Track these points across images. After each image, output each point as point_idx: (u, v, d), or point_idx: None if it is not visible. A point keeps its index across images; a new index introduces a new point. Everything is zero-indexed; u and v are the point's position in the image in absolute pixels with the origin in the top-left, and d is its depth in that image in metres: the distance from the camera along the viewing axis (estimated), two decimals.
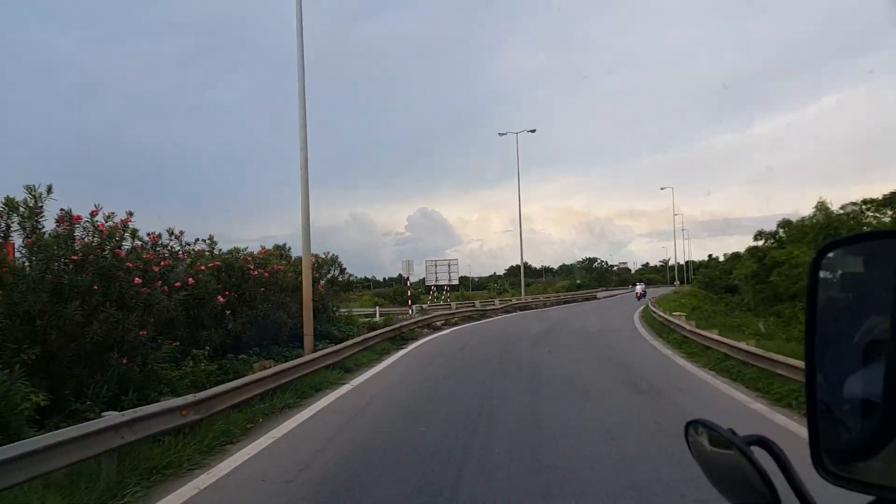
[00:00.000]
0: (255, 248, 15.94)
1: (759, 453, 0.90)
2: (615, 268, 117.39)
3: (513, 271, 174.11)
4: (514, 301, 35.50)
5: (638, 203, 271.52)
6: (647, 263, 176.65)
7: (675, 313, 18.44)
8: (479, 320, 24.67)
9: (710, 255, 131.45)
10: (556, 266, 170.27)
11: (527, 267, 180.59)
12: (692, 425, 1.05)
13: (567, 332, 18.44)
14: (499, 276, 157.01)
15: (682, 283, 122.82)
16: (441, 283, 45.70)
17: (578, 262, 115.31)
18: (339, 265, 16.51)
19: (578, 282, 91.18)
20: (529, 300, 37.04)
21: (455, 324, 22.38)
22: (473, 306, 32.88)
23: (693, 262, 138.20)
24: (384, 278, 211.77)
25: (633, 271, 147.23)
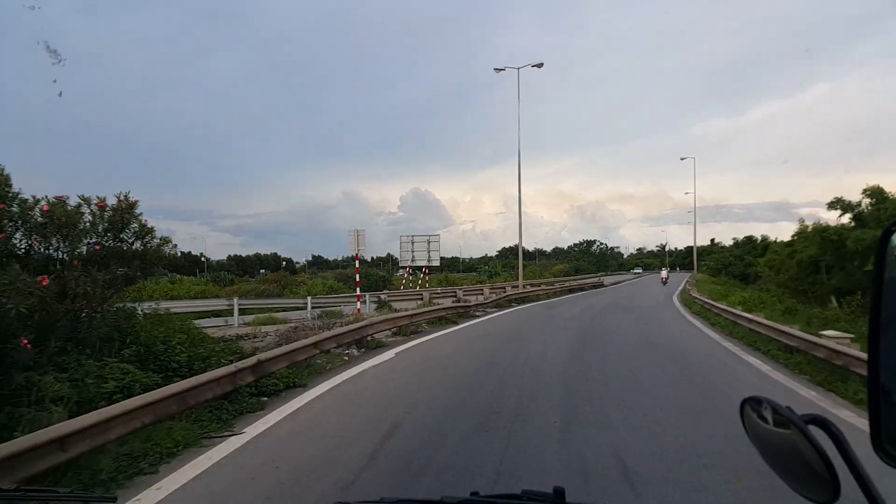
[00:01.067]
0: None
1: (816, 433, 0.85)
2: (614, 251, 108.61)
3: (504, 253, 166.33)
4: (509, 290, 26.55)
5: (629, 188, 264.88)
6: (643, 248, 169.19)
7: (827, 332, 9.58)
8: (457, 324, 15.65)
9: (712, 240, 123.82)
10: (549, 249, 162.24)
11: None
12: (749, 402, 1.01)
13: (626, 367, 9.41)
14: (490, 257, 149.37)
15: (680, 268, 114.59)
16: (418, 263, 36.82)
17: (575, 244, 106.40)
18: (139, 220, 7.33)
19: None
20: (528, 289, 28.15)
21: (416, 332, 13.45)
22: (454, 296, 23.96)
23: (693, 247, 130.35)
24: (372, 258, 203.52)
25: (625, 256, 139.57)
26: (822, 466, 0.83)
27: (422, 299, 24.35)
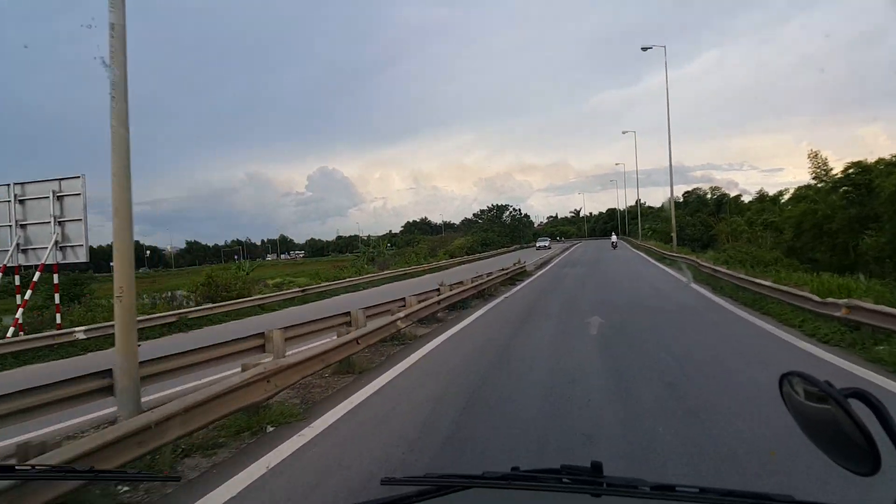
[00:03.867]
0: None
1: (857, 407, 0.83)
2: (528, 218, 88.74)
3: (409, 228, 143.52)
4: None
5: (532, 159, 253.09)
6: (556, 215, 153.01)
7: None
8: None
9: (637, 201, 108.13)
10: (458, 221, 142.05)
11: (426, 223, 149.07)
12: (787, 377, 0.99)
13: None
14: (395, 234, 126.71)
15: (602, 234, 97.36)
16: (30, 255, 13.70)
17: (482, 211, 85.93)
18: None
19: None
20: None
21: None
22: None
23: (616, 210, 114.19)
24: (263, 241, 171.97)
25: (536, 225, 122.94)
26: (862, 439, 0.82)
27: None
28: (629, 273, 22.42)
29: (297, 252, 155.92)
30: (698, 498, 1.09)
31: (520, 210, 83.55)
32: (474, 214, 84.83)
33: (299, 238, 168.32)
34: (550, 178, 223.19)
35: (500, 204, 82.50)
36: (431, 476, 1.34)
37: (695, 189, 62.65)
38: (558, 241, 77.14)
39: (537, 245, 58.57)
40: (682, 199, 68.93)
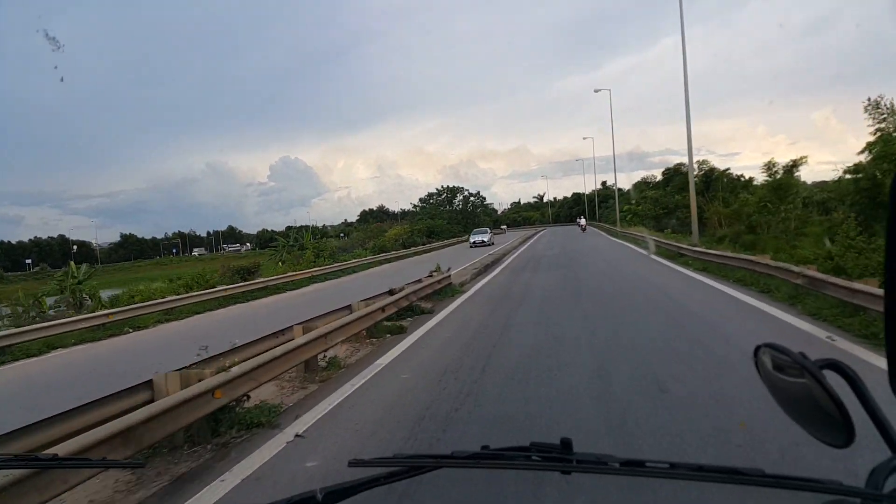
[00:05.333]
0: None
1: (832, 378, 0.81)
2: (485, 204, 77.22)
3: (364, 216, 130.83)
4: None
5: (495, 145, 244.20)
6: (520, 201, 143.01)
7: None
8: None
9: (604, 183, 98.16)
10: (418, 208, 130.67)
11: (383, 211, 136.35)
12: (762, 348, 0.95)
13: None
14: (351, 223, 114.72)
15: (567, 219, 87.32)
16: None
17: (430, 194, 74.33)
18: None
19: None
20: None
21: None
22: None
23: (583, 195, 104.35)
24: (209, 232, 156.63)
25: (499, 212, 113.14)
26: (836, 411, 0.79)
27: None
28: (648, 292, 11.43)
29: (237, 244, 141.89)
30: (668, 473, 1.04)
31: (478, 193, 72.18)
32: (420, 199, 73.28)
33: (256, 229, 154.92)
34: (513, 165, 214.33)
35: (451, 186, 71.04)
36: (400, 457, 1.30)
37: (677, 165, 52.54)
38: (502, 230, 65.49)
39: (471, 241, 38.99)
40: (661, 178, 59.23)
